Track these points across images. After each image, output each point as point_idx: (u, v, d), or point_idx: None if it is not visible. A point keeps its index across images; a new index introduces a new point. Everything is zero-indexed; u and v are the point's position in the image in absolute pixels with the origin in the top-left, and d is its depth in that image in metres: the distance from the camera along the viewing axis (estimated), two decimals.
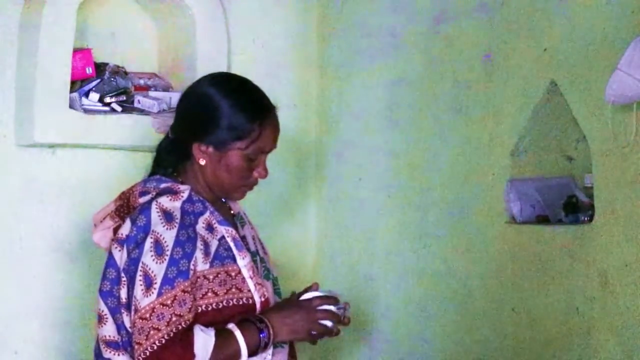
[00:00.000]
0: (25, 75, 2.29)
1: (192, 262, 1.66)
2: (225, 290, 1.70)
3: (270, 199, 2.65)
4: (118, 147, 2.34)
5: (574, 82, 1.99)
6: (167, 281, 1.63)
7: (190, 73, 2.46)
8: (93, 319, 2.29)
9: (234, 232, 1.74)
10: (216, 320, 1.67)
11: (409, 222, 2.45)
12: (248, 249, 1.77)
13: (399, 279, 2.47)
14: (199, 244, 1.68)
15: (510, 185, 2.14)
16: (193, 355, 1.61)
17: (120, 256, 1.66)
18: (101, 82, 2.37)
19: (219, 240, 1.72)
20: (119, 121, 2.32)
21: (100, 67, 2.40)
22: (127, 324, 1.66)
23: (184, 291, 1.64)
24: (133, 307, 1.63)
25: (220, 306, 1.69)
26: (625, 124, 1.83)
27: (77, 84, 2.36)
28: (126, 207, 1.75)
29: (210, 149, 1.73)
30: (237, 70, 2.54)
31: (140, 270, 1.63)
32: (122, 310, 1.66)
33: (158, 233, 1.65)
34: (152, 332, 1.61)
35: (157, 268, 1.63)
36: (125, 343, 1.67)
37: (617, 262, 1.86)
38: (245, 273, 1.72)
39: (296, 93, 2.74)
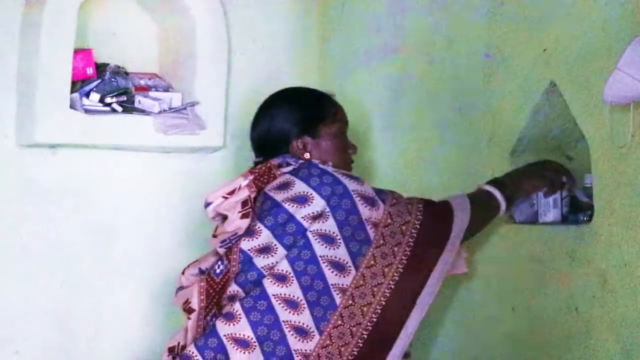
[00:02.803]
0: (26, 76, 2.27)
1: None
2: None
3: None
4: (119, 147, 2.33)
5: (573, 82, 1.99)
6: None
7: (191, 73, 2.45)
8: (93, 318, 2.33)
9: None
10: None
11: None
12: None
13: None
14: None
15: None
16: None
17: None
18: (102, 82, 2.35)
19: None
20: (119, 121, 2.30)
21: (100, 68, 2.38)
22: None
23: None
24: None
25: None
26: (624, 124, 1.83)
27: (78, 84, 2.34)
28: (267, 176, 1.90)
29: (307, 140, 1.98)
30: (237, 70, 2.55)
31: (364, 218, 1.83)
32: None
33: (353, 187, 1.86)
34: None
35: (373, 214, 1.83)
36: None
37: (617, 261, 1.86)
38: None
39: None
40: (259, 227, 1.81)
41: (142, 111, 2.35)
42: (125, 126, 2.32)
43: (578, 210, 2.05)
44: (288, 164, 1.92)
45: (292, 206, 1.80)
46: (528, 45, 2.10)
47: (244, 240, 1.81)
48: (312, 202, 1.81)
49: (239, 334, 1.73)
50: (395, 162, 2.49)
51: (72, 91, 2.31)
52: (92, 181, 2.33)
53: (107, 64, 2.39)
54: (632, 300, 1.83)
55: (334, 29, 2.72)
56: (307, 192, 1.82)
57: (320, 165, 1.91)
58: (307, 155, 1.98)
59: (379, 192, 1.90)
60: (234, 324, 1.73)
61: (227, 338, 1.73)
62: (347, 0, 2.66)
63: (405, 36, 2.47)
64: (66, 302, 2.29)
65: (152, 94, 2.39)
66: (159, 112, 2.36)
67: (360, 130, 2.61)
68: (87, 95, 2.34)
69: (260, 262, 1.78)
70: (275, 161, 1.93)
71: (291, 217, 1.80)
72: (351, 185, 1.86)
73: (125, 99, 2.36)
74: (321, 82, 2.74)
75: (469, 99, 2.28)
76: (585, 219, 2.00)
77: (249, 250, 1.81)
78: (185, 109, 2.41)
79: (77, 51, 2.32)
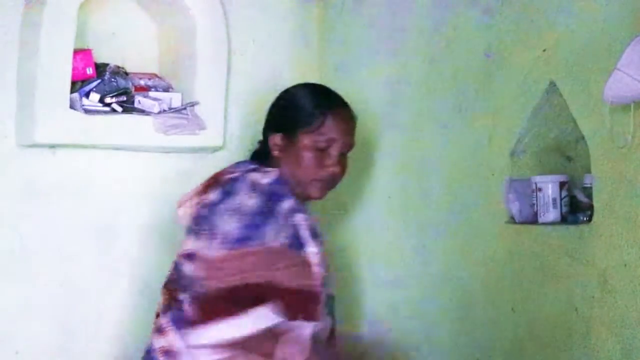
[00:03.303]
0: (26, 76, 2.27)
1: (262, 234, 1.75)
2: (294, 273, 1.77)
3: None
4: (118, 147, 2.33)
5: (573, 82, 1.99)
6: (236, 241, 1.74)
7: (191, 73, 2.46)
8: (93, 318, 2.33)
9: (310, 220, 1.82)
10: (286, 301, 1.73)
11: (408, 221, 2.45)
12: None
13: (398, 278, 2.47)
14: (274, 221, 1.77)
15: (510, 185, 2.14)
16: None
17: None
18: (102, 82, 2.36)
19: (294, 226, 1.80)
20: (119, 121, 2.31)
21: (100, 68, 2.38)
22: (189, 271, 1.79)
23: (245, 254, 1.74)
24: (201, 257, 1.77)
25: (289, 287, 1.75)
26: (624, 124, 1.83)
27: (78, 84, 2.34)
28: (215, 183, 1.88)
29: (280, 137, 1.90)
30: (237, 70, 2.56)
31: (215, 227, 1.76)
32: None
33: (240, 199, 1.78)
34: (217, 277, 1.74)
35: (229, 227, 1.75)
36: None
37: (616, 261, 1.86)
38: (313, 260, 1.80)
39: None
40: (189, 235, 1.87)
41: (142, 111, 2.36)
42: (125, 126, 2.32)
43: (578, 210, 2.05)
44: (235, 171, 1.90)
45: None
46: (528, 45, 2.10)
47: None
48: None
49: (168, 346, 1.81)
50: (395, 163, 2.50)
51: (72, 91, 2.31)
52: (92, 181, 2.34)
53: (107, 64, 2.40)
54: (632, 300, 1.83)
55: (334, 29, 2.73)
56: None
57: (248, 181, 1.84)
58: (277, 154, 1.92)
59: (247, 237, 1.78)
60: (164, 337, 1.82)
61: (160, 351, 1.82)
62: (346, 0, 2.67)
63: (405, 36, 2.48)
64: (66, 301, 2.29)
65: (152, 94, 2.39)
66: (159, 112, 2.37)
67: (359, 131, 2.64)
68: (87, 95, 2.34)
69: (185, 269, 1.84)
70: (228, 169, 1.92)
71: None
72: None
73: (125, 99, 2.37)
74: (321, 82, 2.76)
75: (468, 99, 2.28)
76: (585, 219, 2.00)
77: (178, 256, 1.88)
78: (185, 109, 2.41)
79: (77, 51, 2.32)
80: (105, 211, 2.35)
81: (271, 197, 1.81)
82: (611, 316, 1.87)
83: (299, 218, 1.81)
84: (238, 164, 1.95)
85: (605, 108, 1.85)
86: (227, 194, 1.81)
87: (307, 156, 1.88)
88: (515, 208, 2.13)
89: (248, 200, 1.79)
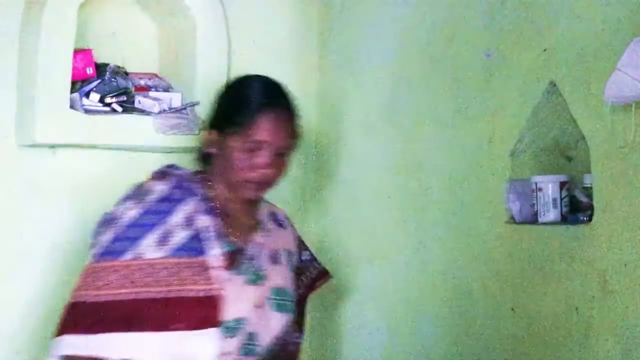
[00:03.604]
0: (26, 76, 2.29)
1: (136, 246, 1.72)
2: (176, 282, 1.72)
3: (269, 198, 2.64)
4: (119, 147, 2.35)
5: (574, 82, 1.97)
6: (103, 254, 1.72)
7: (191, 73, 2.48)
8: None
9: (212, 223, 1.78)
10: (162, 312, 1.70)
11: (408, 221, 2.44)
12: (235, 247, 1.81)
13: (398, 278, 2.47)
14: (156, 232, 1.73)
15: (510, 185, 2.13)
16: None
17: None
18: (102, 82, 2.37)
19: (197, 230, 1.77)
20: (119, 121, 2.32)
21: (100, 68, 2.40)
22: None
23: (105, 269, 1.70)
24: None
25: (166, 297, 1.70)
26: (625, 124, 1.82)
27: (78, 84, 2.36)
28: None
29: (214, 134, 1.84)
30: (237, 70, 2.54)
31: (95, 237, 1.77)
32: None
33: (122, 209, 1.77)
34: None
35: (102, 238, 1.74)
36: None
37: (617, 262, 1.85)
38: (211, 264, 1.75)
39: (296, 93, 2.73)
40: None
41: (142, 111, 2.37)
42: (125, 126, 2.34)
43: (578, 210, 2.04)
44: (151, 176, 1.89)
45: None
46: (528, 45, 2.09)
47: None
48: None
49: None
50: (395, 163, 2.50)
51: (72, 91, 2.33)
52: (92, 181, 2.34)
53: (107, 64, 2.42)
54: (632, 301, 1.82)
55: (334, 29, 2.73)
56: None
57: (142, 190, 1.82)
58: (210, 151, 1.88)
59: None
60: None
61: None
62: (346, 0, 2.68)
63: (405, 36, 2.47)
64: (66, 302, 2.29)
65: (152, 94, 2.41)
66: (159, 112, 2.37)
67: (359, 131, 2.64)
68: (87, 95, 2.36)
69: None
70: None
71: None
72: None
73: (125, 99, 2.38)
74: (321, 82, 2.79)
75: (469, 100, 2.27)
76: (585, 219, 1.98)
77: None
78: (185, 109, 2.43)
79: (77, 51, 2.34)
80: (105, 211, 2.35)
81: (160, 208, 1.77)
82: (611, 316, 1.86)
83: (201, 221, 1.78)
84: (165, 167, 1.92)
85: (606, 108, 1.84)
86: (117, 202, 1.81)
87: (237, 157, 1.81)
88: (515, 208, 2.12)
89: (128, 212, 1.77)
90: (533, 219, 2.08)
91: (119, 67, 2.42)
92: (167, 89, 2.45)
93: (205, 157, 1.92)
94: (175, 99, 2.42)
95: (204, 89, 2.46)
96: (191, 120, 2.41)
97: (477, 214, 2.22)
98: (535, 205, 2.07)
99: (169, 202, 1.78)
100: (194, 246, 1.75)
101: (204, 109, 2.42)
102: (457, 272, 2.28)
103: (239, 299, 1.79)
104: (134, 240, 1.73)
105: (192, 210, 1.78)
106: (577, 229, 1.97)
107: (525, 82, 2.10)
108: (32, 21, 2.29)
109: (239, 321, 1.79)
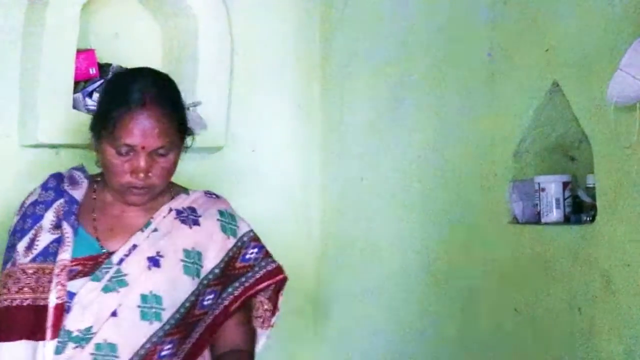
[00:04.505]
0: (29, 76, 2.30)
1: (14, 253, 1.70)
2: (38, 288, 1.67)
3: (274, 198, 2.66)
4: None
5: (576, 82, 1.98)
6: None
7: (193, 73, 2.48)
8: None
9: (68, 227, 1.70)
10: (25, 320, 1.66)
11: (412, 221, 2.45)
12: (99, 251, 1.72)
13: (401, 278, 2.47)
14: (28, 236, 1.70)
15: (513, 185, 2.14)
16: None
17: None
18: (104, 82, 2.32)
19: (60, 234, 1.70)
20: None
21: (103, 68, 2.40)
22: None
23: None
24: None
25: (31, 304, 1.66)
26: (627, 125, 1.82)
27: (81, 84, 2.36)
28: None
29: (92, 139, 1.73)
30: (240, 70, 2.58)
31: None
32: None
33: (14, 218, 1.76)
34: None
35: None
36: None
37: (619, 262, 1.86)
38: (59, 270, 1.68)
39: (299, 93, 2.76)
40: None
41: None
42: None
43: (581, 211, 2.05)
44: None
45: None
46: (531, 45, 2.09)
47: None
48: None
49: None
50: (398, 163, 2.50)
51: (74, 91, 2.34)
52: None
53: (110, 64, 2.42)
54: (635, 301, 1.83)
55: (337, 28, 2.73)
56: None
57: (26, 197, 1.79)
58: (95, 154, 1.75)
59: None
60: None
61: None
62: (349, 0, 2.67)
63: (408, 36, 2.47)
64: None
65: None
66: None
67: (363, 131, 2.64)
68: (90, 95, 2.35)
69: None
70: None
71: None
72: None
73: None
74: (324, 82, 2.78)
75: (471, 99, 2.27)
76: (588, 219, 1.99)
77: None
78: (187, 109, 2.41)
79: (79, 51, 2.34)
80: None
81: (33, 211, 1.73)
82: (614, 316, 1.87)
83: (64, 224, 1.71)
84: (71, 169, 1.86)
85: (609, 108, 1.84)
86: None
87: (111, 163, 1.68)
88: (518, 208, 2.12)
89: (15, 218, 1.75)
90: (536, 219, 2.09)
91: (121, 67, 2.41)
92: None
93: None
94: None
95: (206, 89, 2.47)
96: (193, 120, 2.41)
97: (480, 213, 2.23)
98: (538, 206, 2.08)
99: (40, 205, 1.74)
100: (52, 251, 1.69)
101: (206, 109, 2.45)
102: (460, 272, 2.28)
103: (89, 307, 1.67)
104: (12, 247, 1.71)
105: (58, 212, 1.72)
106: (580, 229, 1.98)
107: (528, 82, 2.10)
108: (34, 21, 2.29)
109: (87, 330, 1.67)
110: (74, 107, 2.31)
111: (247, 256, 1.86)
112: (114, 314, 1.67)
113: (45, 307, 1.65)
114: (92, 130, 1.73)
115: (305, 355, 2.73)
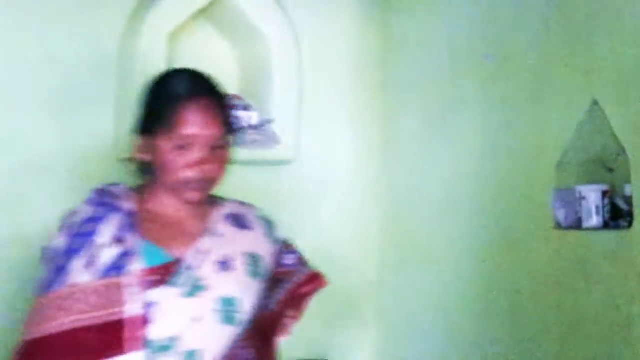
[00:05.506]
0: (123, 97, 2.35)
1: (67, 274, 1.54)
2: (106, 305, 1.53)
3: (337, 206, 2.72)
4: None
5: (614, 100, 1.99)
6: (40, 289, 1.56)
7: (267, 93, 2.56)
8: None
9: (133, 239, 1.58)
10: (96, 339, 1.51)
11: (462, 227, 2.46)
12: (169, 261, 1.59)
13: (454, 280, 2.49)
14: (84, 254, 1.56)
15: (556, 194, 2.15)
16: None
17: None
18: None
19: (123, 248, 1.58)
20: None
21: None
22: None
23: (43, 303, 1.52)
24: None
25: (98, 323, 1.52)
26: None
27: None
28: None
29: (142, 139, 1.63)
30: (308, 90, 2.65)
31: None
32: None
33: (52, 241, 1.60)
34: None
35: (42, 274, 1.58)
36: None
37: None
38: (134, 281, 1.55)
39: (361, 110, 2.81)
40: None
41: None
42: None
43: (619, 217, 2.04)
44: None
45: None
46: (572, 67, 2.10)
47: None
48: None
49: None
50: (449, 173, 2.53)
51: None
52: None
53: None
54: None
55: (394, 53, 2.77)
56: None
57: (67, 216, 1.62)
58: (143, 158, 1.64)
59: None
60: None
61: None
62: (405, 26, 2.72)
63: (457, 58, 2.50)
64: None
65: (233, 112, 2.50)
66: (240, 129, 2.44)
67: (416, 144, 2.67)
68: None
69: None
70: None
71: None
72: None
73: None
74: (384, 102, 2.80)
75: (517, 115, 2.26)
76: (625, 225, 1.99)
77: None
78: (262, 125, 2.49)
79: None
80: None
81: (84, 230, 1.58)
82: None
83: (127, 237, 1.58)
84: (102, 185, 1.71)
85: None
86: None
87: (168, 159, 1.58)
88: (561, 214, 2.13)
89: (57, 241, 1.58)
90: (577, 225, 2.09)
91: None
92: (247, 108, 2.52)
93: (143, 167, 1.68)
94: (254, 117, 2.50)
95: (279, 108, 2.54)
96: (267, 136, 2.50)
97: (526, 220, 2.23)
98: (580, 212, 2.08)
99: (92, 222, 1.59)
100: (120, 264, 1.55)
101: (279, 125, 2.51)
102: (508, 273, 2.28)
103: (172, 314, 1.56)
104: (63, 268, 1.54)
105: (117, 227, 1.59)
106: (618, 233, 1.98)
107: (570, 100, 2.12)
108: (128, 49, 2.38)
109: (172, 339, 1.55)
110: None
111: (286, 262, 1.81)
112: (196, 319, 1.58)
113: (118, 322, 1.52)
114: (143, 132, 1.63)
115: (362, 354, 2.74)
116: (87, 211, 1.62)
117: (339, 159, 2.76)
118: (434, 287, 2.58)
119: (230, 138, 1.66)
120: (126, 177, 2.29)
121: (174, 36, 2.47)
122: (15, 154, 2.27)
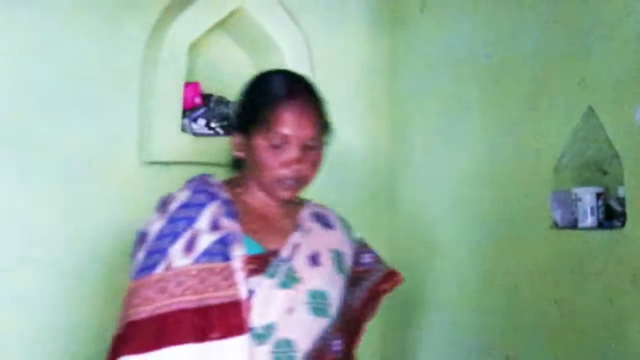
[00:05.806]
0: (146, 104, 2.42)
1: (165, 257, 1.55)
2: (206, 289, 1.54)
3: (349, 208, 2.59)
4: (221, 164, 2.25)
5: (608, 107, 2.02)
6: (139, 271, 1.56)
7: None
8: None
9: (235, 226, 1.59)
10: (197, 322, 1.52)
11: (465, 227, 2.50)
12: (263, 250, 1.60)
13: (456, 275, 2.53)
14: (184, 238, 1.56)
15: (553, 195, 2.18)
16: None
17: None
18: (207, 110, 2.49)
19: (223, 234, 1.58)
20: (221, 142, 2.39)
21: (206, 98, 2.53)
22: None
23: (141, 286, 1.53)
24: None
25: (198, 306, 1.53)
26: None
27: (188, 111, 2.50)
28: None
29: (239, 137, 1.64)
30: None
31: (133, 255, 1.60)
32: None
33: (149, 225, 1.60)
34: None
35: (135, 257, 1.58)
36: None
37: None
38: (235, 268, 1.56)
39: (369, 116, 2.85)
40: None
41: None
42: (226, 147, 2.31)
43: (612, 217, 2.08)
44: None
45: None
46: (568, 76, 2.13)
47: None
48: None
49: None
50: (453, 176, 2.56)
51: (182, 117, 2.48)
52: None
53: (212, 95, 2.56)
54: None
55: (401, 62, 2.83)
56: None
57: (164, 201, 1.63)
58: (239, 155, 1.66)
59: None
60: None
61: None
62: (412, 42, 2.75)
63: (461, 69, 2.53)
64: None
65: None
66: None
67: (421, 152, 2.71)
68: (195, 120, 2.50)
69: None
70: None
71: None
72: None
73: (226, 123, 2.51)
74: (391, 109, 2.84)
75: (516, 122, 2.29)
76: (618, 224, 2.03)
77: None
78: None
79: (187, 84, 2.49)
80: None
81: (183, 214, 1.58)
82: None
83: (226, 225, 1.58)
84: (197, 175, 1.72)
85: (637, 129, 1.92)
86: (148, 221, 1.61)
87: (263, 156, 1.60)
88: (558, 215, 2.16)
89: (154, 225, 1.58)
90: (573, 225, 2.12)
91: (221, 97, 2.54)
92: None
93: (237, 163, 1.71)
94: None
95: None
96: None
97: (525, 220, 2.26)
98: (576, 213, 2.11)
99: (191, 208, 1.60)
100: (220, 250, 1.56)
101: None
102: (508, 270, 2.31)
103: (268, 303, 1.58)
104: (163, 251, 1.55)
105: (215, 214, 1.60)
106: (611, 233, 2.01)
107: (566, 107, 2.15)
108: (150, 58, 2.43)
109: (268, 327, 1.57)
110: (183, 130, 2.47)
111: (364, 260, 1.82)
112: (290, 310, 1.60)
113: (216, 306, 1.53)
114: (240, 129, 1.65)
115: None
116: (186, 196, 1.63)
117: (347, 166, 2.78)
118: (439, 286, 2.61)
119: (325, 139, 1.68)
120: (149, 181, 2.42)
121: (195, 46, 2.53)
122: (44, 160, 2.32)
